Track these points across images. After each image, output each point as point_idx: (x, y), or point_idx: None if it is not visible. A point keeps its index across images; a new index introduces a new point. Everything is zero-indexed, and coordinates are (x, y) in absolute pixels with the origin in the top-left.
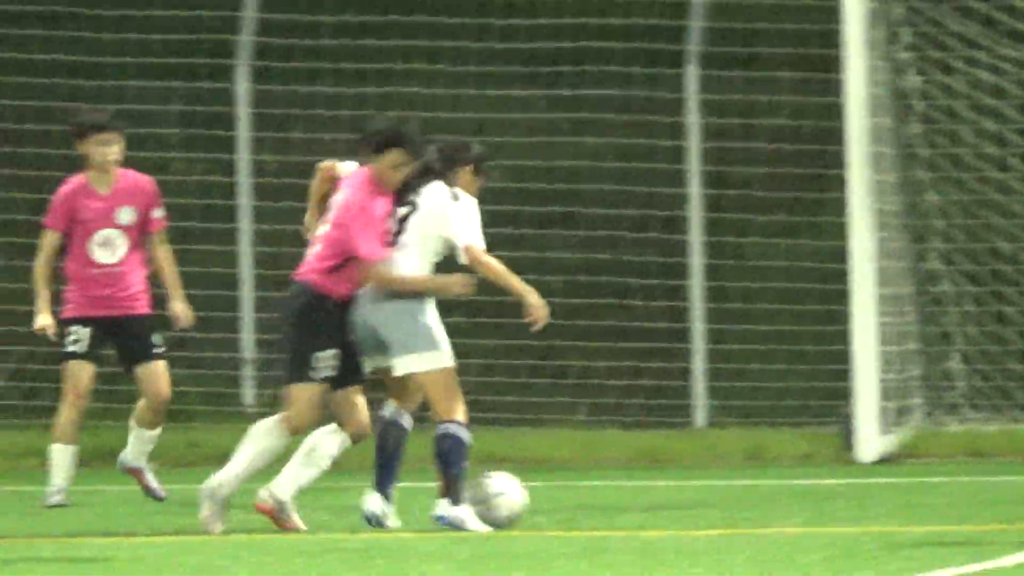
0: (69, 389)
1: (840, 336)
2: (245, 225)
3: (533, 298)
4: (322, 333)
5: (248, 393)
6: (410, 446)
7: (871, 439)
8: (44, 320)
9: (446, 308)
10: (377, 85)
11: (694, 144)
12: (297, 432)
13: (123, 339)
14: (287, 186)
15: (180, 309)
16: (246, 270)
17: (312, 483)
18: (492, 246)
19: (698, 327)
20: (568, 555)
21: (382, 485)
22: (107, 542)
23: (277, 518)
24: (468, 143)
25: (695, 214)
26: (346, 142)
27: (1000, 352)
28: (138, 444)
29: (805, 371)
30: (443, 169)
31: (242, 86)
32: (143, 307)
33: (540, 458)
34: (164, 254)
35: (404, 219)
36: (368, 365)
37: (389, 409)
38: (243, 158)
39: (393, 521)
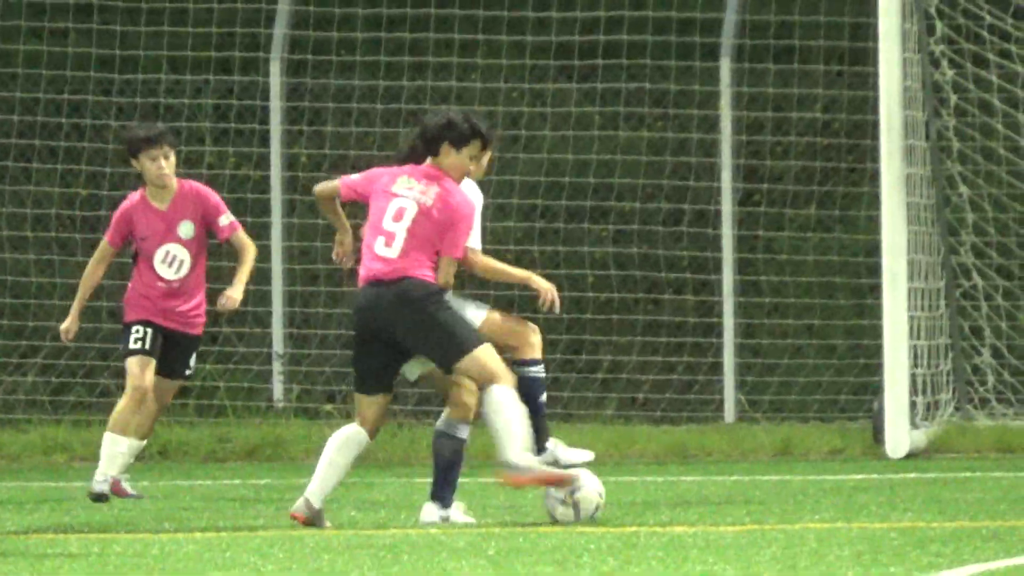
0: (132, 381)
1: (870, 330)
2: (277, 219)
3: (537, 281)
4: None
5: (278, 388)
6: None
7: (901, 434)
8: (70, 324)
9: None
10: (411, 78)
11: (727, 137)
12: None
13: (169, 351)
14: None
15: (230, 292)
16: (277, 265)
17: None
18: (523, 239)
19: (729, 321)
20: (596, 550)
21: (439, 496)
22: (137, 538)
23: (312, 525)
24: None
25: (727, 208)
26: (381, 135)
27: None
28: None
29: (835, 366)
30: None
31: (275, 79)
32: (196, 329)
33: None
34: (245, 252)
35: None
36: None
37: (443, 420)
38: (276, 152)
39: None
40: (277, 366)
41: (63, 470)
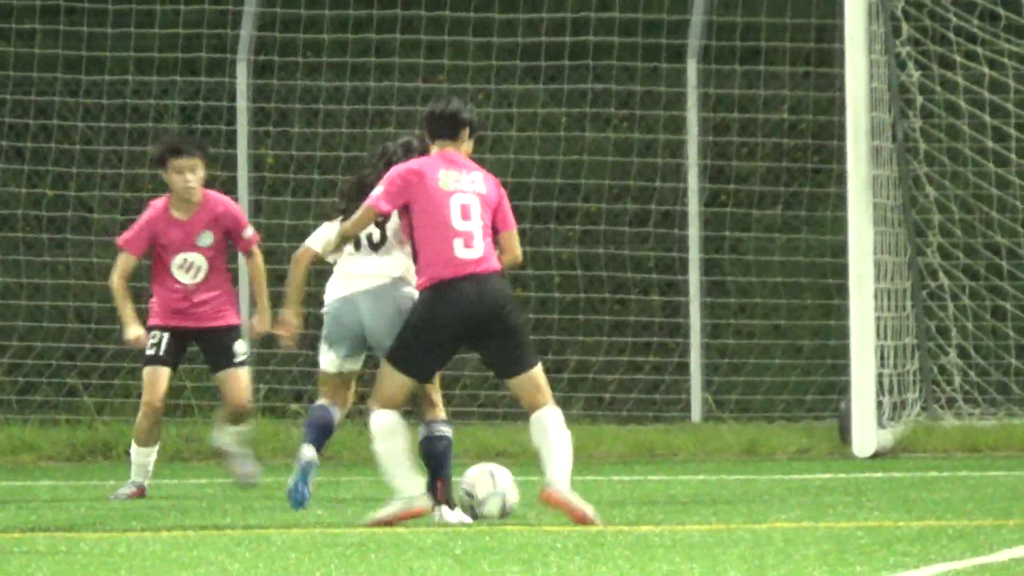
0: (145, 395)
1: (837, 331)
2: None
3: (285, 314)
4: None
5: None
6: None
7: (868, 434)
8: (136, 331)
9: None
10: (377, 80)
11: (693, 138)
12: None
13: (206, 347)
14: (286, 181)
15: (256, 324)
16: (243, 264)
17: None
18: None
19: (695, 322)
20: (563, 549)
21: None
22: (104, 537)
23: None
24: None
25: (694, 208)
26: (348, 136)
27: (997, 347)
28: (225, 435)
29: (802, 366)
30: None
31: (242, 81)
32: (224, 318)
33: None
34: (254, 268)
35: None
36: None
37: (423, 429)
38: (242, 152)
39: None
40: None
41: (30, 470)
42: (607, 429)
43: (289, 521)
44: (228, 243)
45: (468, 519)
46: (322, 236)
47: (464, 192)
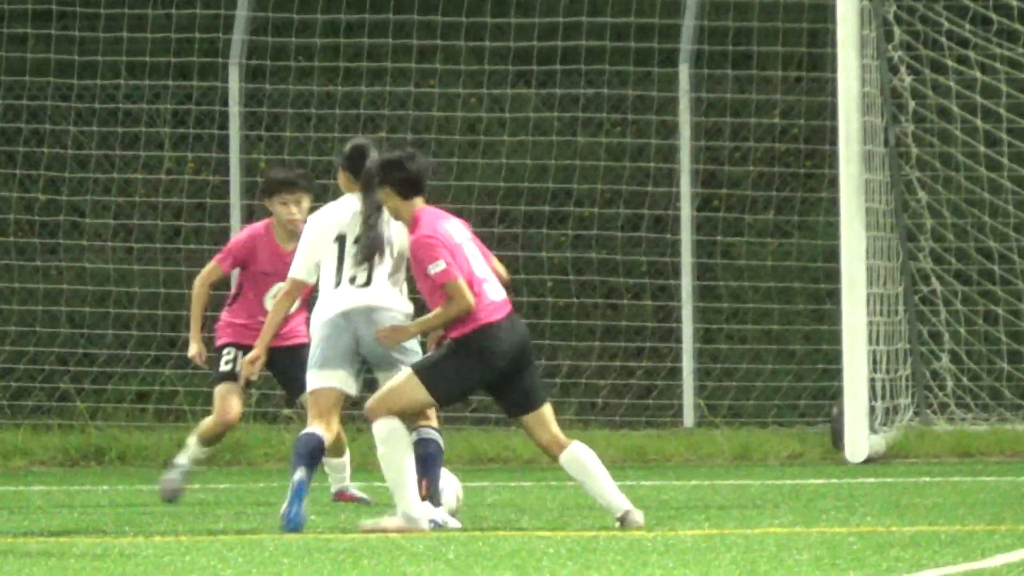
0: (218, 415)
1: (830, 336)
2: (236, 224)
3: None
4: None
5: None
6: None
7: (860, 439)
8: (195, 348)
9: None
10: (369, 84)
11: (685, 143)
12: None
13: (282, 368)
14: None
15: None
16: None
17: None
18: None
19: (687, 327)
20: (555, 555)
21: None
22: (96, 541)
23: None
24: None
25: (686, 213)
26: (339, 140)
27: (989, 352)
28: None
29: (794, 371)
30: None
31: (234, 85)
32: (301, 337)
33: (528, 458)
34: None
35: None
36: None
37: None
38: (235, 157)
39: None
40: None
41: (22, 475)
42: (599, 434)
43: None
44: None
45: (452, 520)
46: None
47: (471, 241)
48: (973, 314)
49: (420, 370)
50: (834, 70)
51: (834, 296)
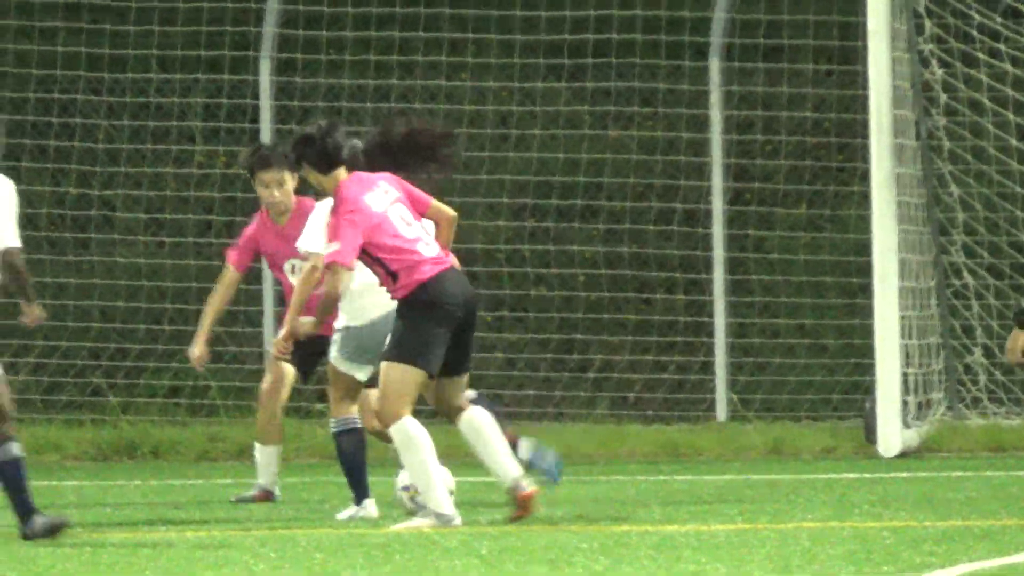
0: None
1: (862, 330)
2: None
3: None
4: None
5: None
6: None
7: (893, 433)
8: (201, 352)
9: None
10: (400, 77)
11: (717, 136)
12: None
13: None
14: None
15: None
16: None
17: None
18: (513, 239)
19: (720, 321)
20: (588, 550)
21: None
22: (129, 537)
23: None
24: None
25: (717, 207)
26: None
27: None
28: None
29: (827, 365)
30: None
31: (265, 78)
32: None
33: (561, 452)
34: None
35: None
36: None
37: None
38: None
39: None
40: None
41: (55, 469)
42: (632, 428)
43: (315, 521)
44: None
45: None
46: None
47: (394, 204)
48: (1006, 308)
49: (389, 356)
50: (865, 63)
51: (866, 290)
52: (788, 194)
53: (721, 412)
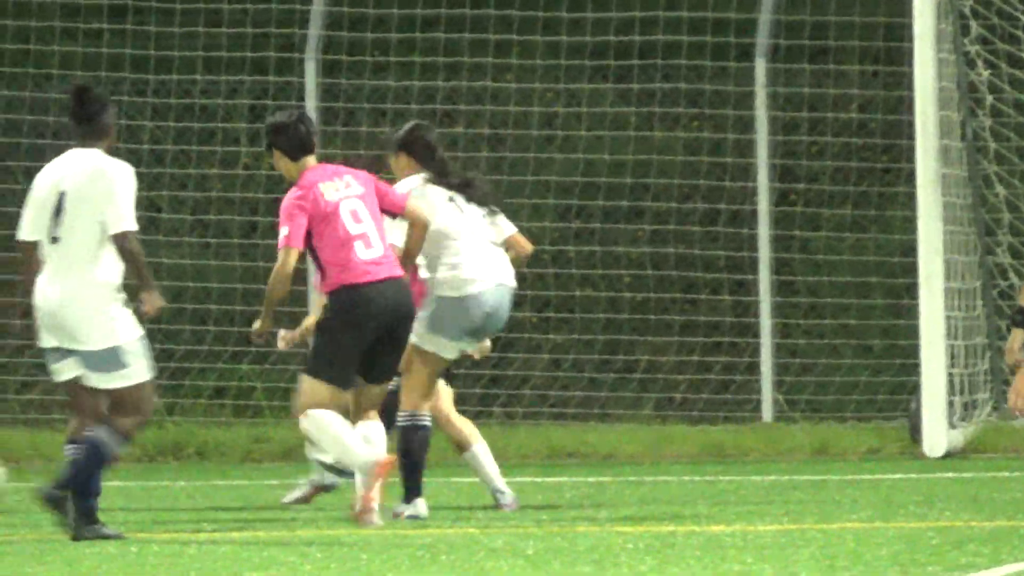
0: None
1: (907, 331)
2: None
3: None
4: None
5: None
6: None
7: (938, 434)
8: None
9: (516, 304)
10: (445, 79)
11: (763, 138)
12: None
13: None
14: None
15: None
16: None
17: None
18: (559, 240)
19: (765, 321)
20: (634, 550)
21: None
22: (174, 538)
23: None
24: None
25: (763, 208)
26: None
27: None
28: None
29: (872, 365)
30: None
31: (310, 80)
32: None
33: (607, 453)
34: None
35: None
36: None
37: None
38: None
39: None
40: None
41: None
42: (677, 429)
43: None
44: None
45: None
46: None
47: (350, 199)
48: None
49: (307, 370)
50: (911, 64)
51: (912, 291)
52: (834, 195)
53: (767, 413)
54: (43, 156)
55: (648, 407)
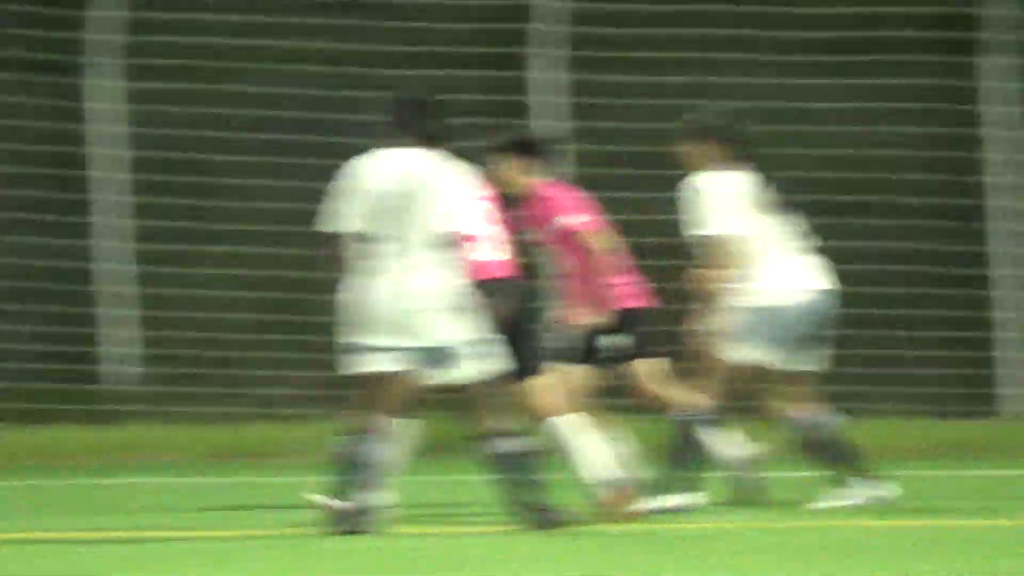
0: None
1: None
2: None
3: None
4: None
5: None
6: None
7: None
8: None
9: None
10: (675, 74)
11: (992, 132)
12: None
13: None
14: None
15: None
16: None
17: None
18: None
19: (1006, 315)
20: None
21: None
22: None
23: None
24: None
25: (995, 202)
26: (656, 131)
27: None
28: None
29: None
30: None
31: (535, 74)
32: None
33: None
34: None
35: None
36: None
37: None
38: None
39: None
40: None
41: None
42: (917, 423)
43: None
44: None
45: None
46: None
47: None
48: None
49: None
50: None
51: None
52: None
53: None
54: (282, 152)
55: (888, 401)
